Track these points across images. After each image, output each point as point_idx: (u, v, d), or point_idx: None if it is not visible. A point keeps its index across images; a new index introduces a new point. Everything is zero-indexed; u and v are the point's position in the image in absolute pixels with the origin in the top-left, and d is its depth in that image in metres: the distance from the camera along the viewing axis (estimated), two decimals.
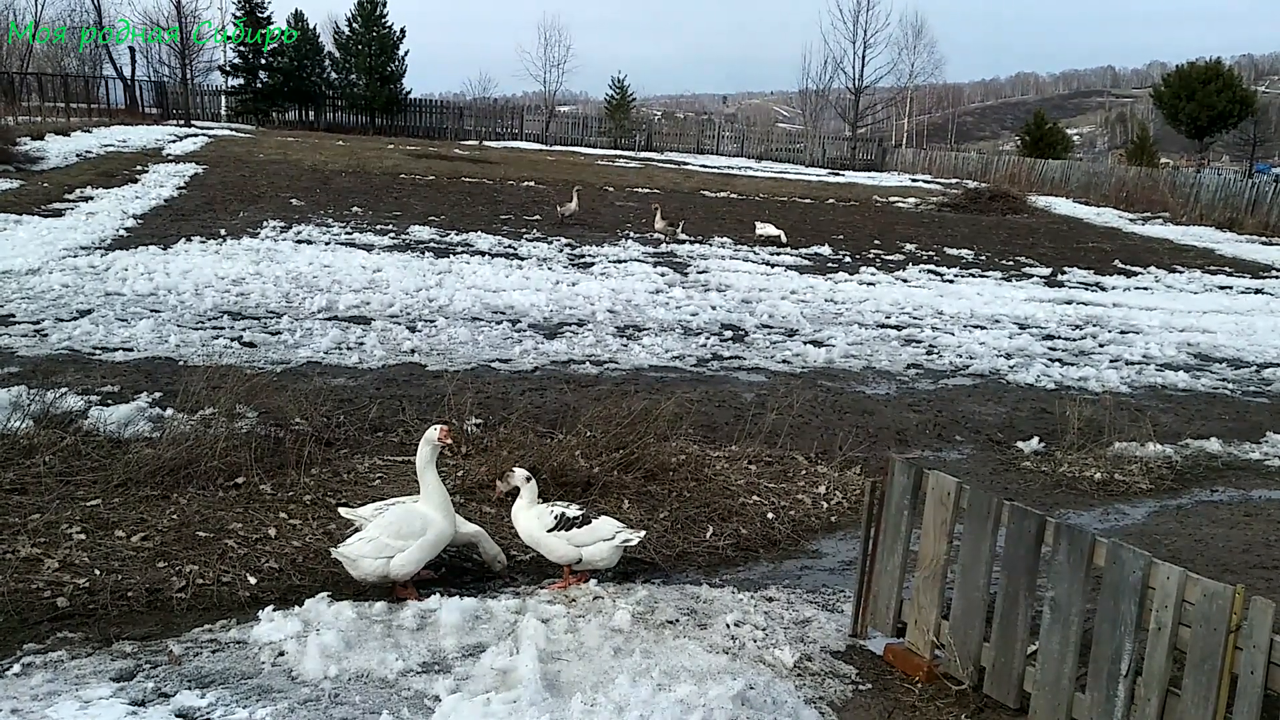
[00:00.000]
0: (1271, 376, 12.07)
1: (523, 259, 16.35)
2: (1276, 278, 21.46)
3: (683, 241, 19.73)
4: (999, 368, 11.41)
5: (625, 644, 4.74)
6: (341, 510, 5.47)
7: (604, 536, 5.45)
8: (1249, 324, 15.46)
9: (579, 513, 5.49)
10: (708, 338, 11.80)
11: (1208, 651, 3.73)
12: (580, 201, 21.40)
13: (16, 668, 4.29)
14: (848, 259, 19.62)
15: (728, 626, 5.00)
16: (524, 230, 19.62)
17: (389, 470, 6.81)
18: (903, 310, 14.42)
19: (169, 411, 7.19)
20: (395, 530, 5.07)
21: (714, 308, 13.53)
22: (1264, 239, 29.17)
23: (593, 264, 16.38)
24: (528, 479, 5.56)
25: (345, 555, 5.08)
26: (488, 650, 4.55)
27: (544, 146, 54.56)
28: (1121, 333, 14.07)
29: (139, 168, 24.57)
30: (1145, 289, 18.86)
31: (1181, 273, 21.10)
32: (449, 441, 5.36)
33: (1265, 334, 14.70)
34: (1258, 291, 19.38)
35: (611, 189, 29.41)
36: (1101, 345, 13.15)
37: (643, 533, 5.67)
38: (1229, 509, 7.57)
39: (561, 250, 17.56)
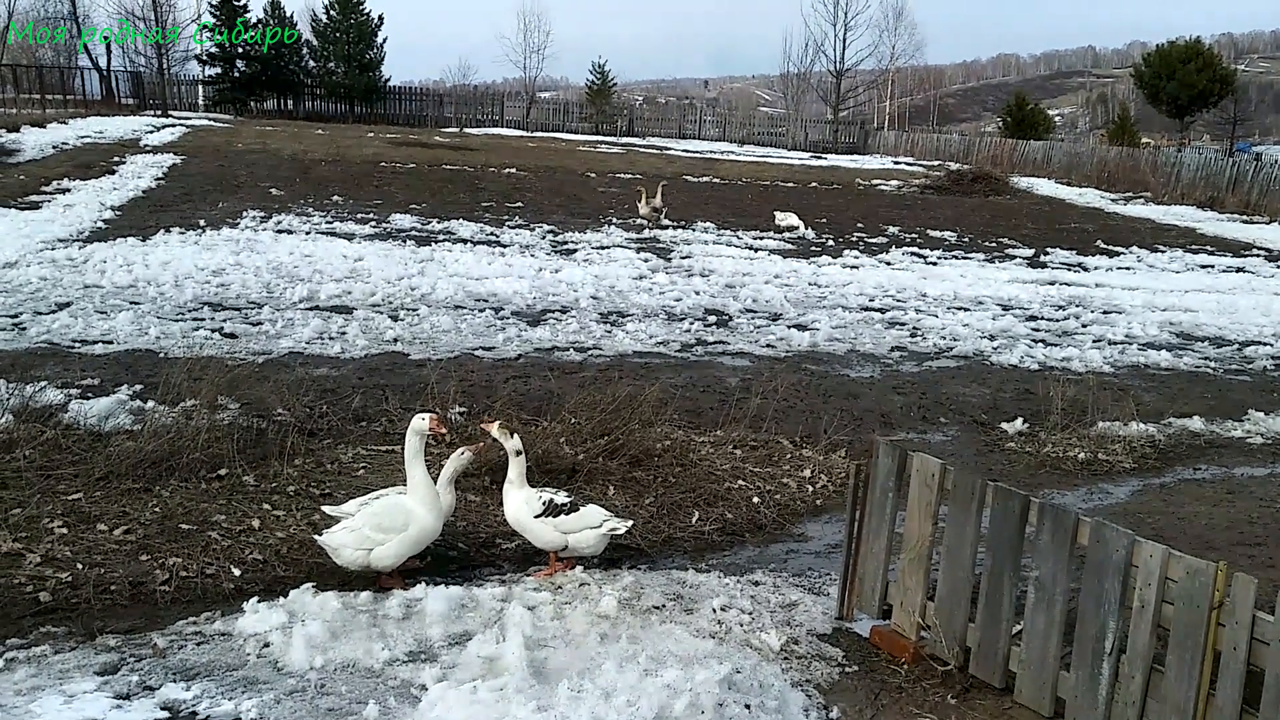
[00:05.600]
0: (1253, 354, 12.13)
1: (505, 246, 16.28)
2: (1258, 256, 21.56)
3: (666, 227, 19.69)
4: (983, 349, 11.44)
5: (612, 630, 4.74)
6: (325, 508, 5.44)
7: (591, 524, 5.43)
8: (1231, 302, 15.53)
9: (567, 499, 5.47)
10: (692, 323, 11.79)
11: (1191, 628, 3.75)
12: (665, 198, 20.70)
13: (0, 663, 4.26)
14: (831, 242, 19.62)
15: (714, 611, 5.00)
16: (506, 217, 19.55)
17: (373, 460, 6.78)
18: (886, 293, 14.43)
19: (150, 404, 7.14)
20: (377, 523, 5.04)
21: (698, 293, 13.51)
22: (1245, 217, 29.31)
23: (575, 250, 16.33)
24: (518, 452, 5.51)
25: (328, 544, 5.08)
26: (474, 638, 4.53)
27: (525, 133, 54.29)
28: (1104, 313, 14.12)
29: (116, 159, 24.35)
30: (1127, 269, 18.92)
31: (1163, 252, 21.18)
32: (442, 431, 5.31)
33: (1247, 312, 14.77)
34: (1239, 270, 19.47)
35: (594, 175, 29.33)
36: (1084, 325, 13.19)
37: (630, 522, 5.65)
38: (1212, 487, 7.61)
39: (544, 237, 17.51)
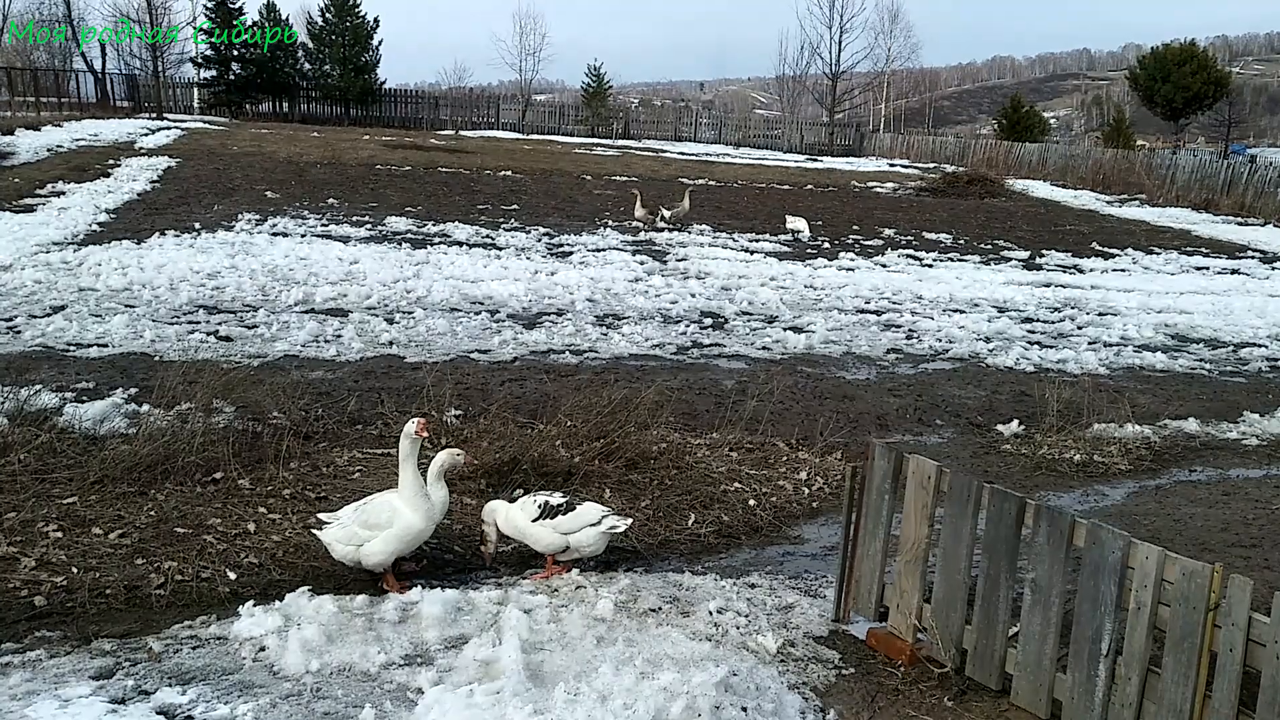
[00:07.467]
0: (1248, 356, 12.15)
1: (500, 249, 16.28)
2: (1252, 258, 21.58)
3: (661, 229, 19.69)
4: (978, 351, 11.45)
5: (608, 633, 4.73)
6: (320, 516, 5.44)
7: (590, 521, 5.42)
8: (1225, 304, 15.56)
9: (562, 500, 5.47)
10: (687, 325, 11.79)
11: (1187, 630, 3.75)
12: (691, 202, 20.75)
13: None
14: (827, 245, 19.63)
15: (710, 614, 5.00)
16: (501, 220, 19.53)
17: (368, 463, 6.78)
18: (882, 295, 14.44)
19: (145, 407, 7.12)
20: (364, 519, 5.11)
21: (693, 295, 13.51)
22: (1239, 219, 29.35)
23: (571, 253, 16.33)
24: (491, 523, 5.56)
25: (324, 539, 5.18)
26: (470, 642, 4.53)
27: (521, 135, 54.21)
28: (1099, 314, 14.14)
29: (111, 162, 24.29)
30: (1123, 270, 18.95)
31: (1158, 254, 21.22)
32: (425, 435, 5.33)
33: (1241, 314, 14.79)
34: (1234, 272, 19.50)
35: (589, 177, 29.33)
36: (1080, 327, 13.21)
37: (629, 520, 5.64)
38: (1207, 488, 7.62)
39: (540, 240, 17.50)
